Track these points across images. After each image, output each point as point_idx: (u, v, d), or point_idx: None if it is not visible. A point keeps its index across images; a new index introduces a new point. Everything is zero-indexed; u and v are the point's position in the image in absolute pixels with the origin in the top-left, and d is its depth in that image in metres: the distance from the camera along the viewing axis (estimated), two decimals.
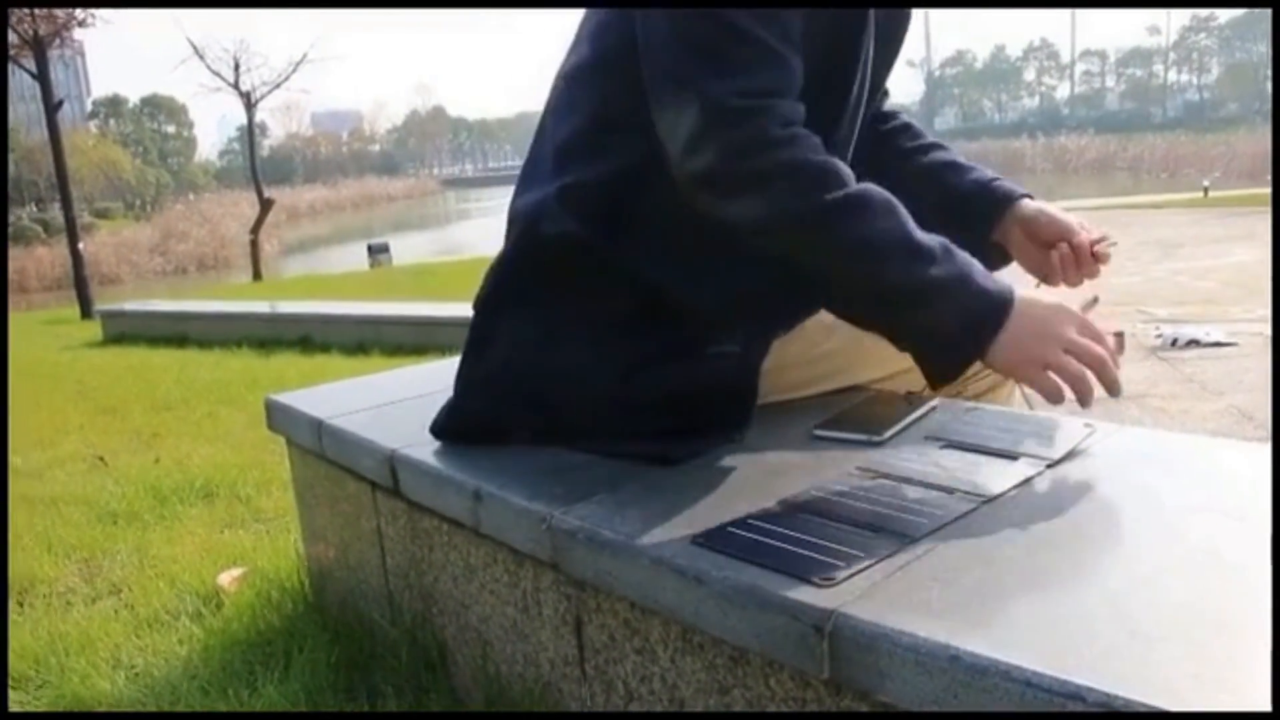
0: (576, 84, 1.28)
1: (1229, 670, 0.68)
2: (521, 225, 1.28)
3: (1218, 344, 3.68)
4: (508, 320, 1.30)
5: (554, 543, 1.07)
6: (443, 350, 5.59)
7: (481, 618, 1.29)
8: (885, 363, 1.38)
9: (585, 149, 1.25)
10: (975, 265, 1.10)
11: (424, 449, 1.33)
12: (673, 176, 1.13)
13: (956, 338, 1.09)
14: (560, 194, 1.24)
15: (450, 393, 1.37)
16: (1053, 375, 1.07)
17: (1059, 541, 0.91)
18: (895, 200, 1.10)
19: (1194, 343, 3.70)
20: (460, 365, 1.36)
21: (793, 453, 1.19)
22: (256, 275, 17.20)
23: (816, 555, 0.91)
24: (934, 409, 1.28)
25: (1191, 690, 0.66)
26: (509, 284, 1.30)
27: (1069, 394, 1.09)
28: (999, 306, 1.08)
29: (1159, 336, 3.84)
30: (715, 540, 0.96)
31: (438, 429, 1.35)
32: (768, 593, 0.85)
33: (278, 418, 1.68)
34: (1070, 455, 1.12)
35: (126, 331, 8.18)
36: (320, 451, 1.54)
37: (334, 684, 1.40)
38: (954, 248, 1.10)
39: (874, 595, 0.82)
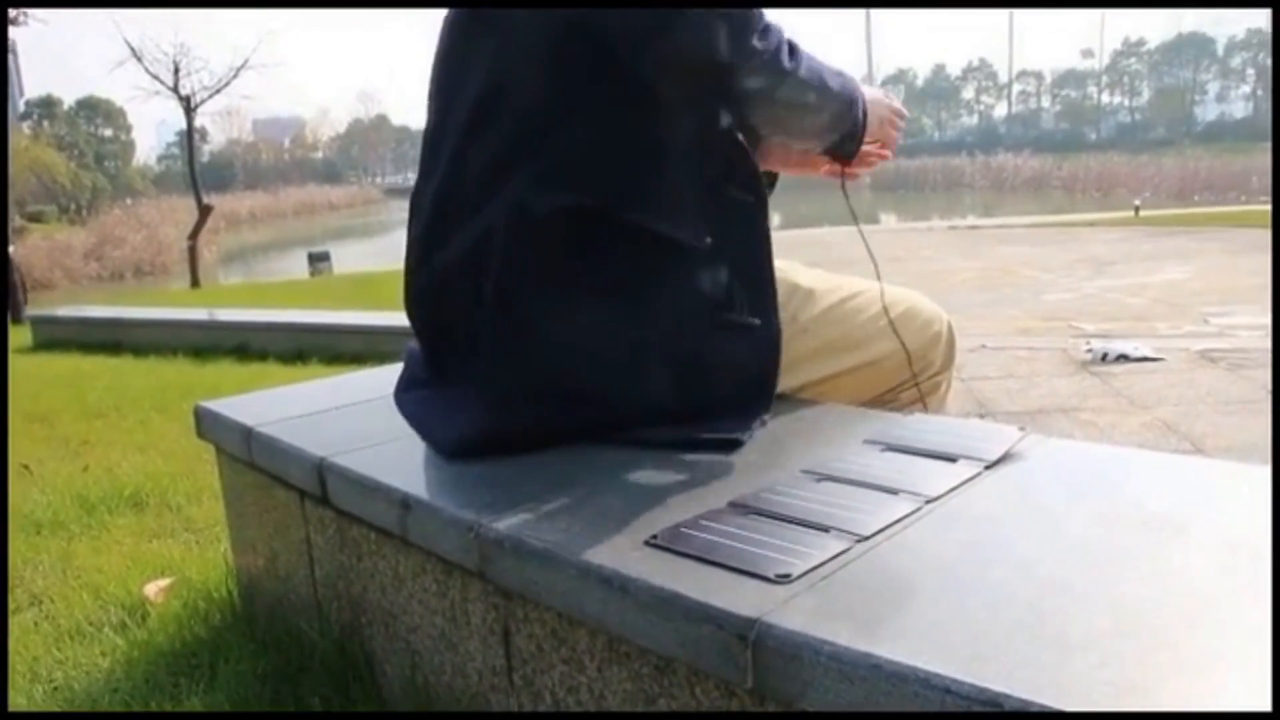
0: (501, 95, 1.28)
1: (1145, 676, 0.69)
2: (504, 220, 1.24)
3: (1145, 359, 3.77)
4: (527, 315, 1.26)
5: (481, 551, 1.06)
6: (382, 359, 5.53)
7: (410, 628, 1.28)
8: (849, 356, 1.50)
9: (546, 139, 1.25)
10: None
11: (353, 456, 1.32)
12: (674, 69, 1.24)
13: (854, 126, 1.39)
14: (539, 179, 1.24)
15: (380, 399, 1.35)
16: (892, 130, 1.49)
17: (992, 546, 0.93)
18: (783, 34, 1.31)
19: (1123, 357, 3.78)
20: (472, 374, 1.31)
21: (733, 457, 1.20)
22: (194, 282, 16.87)
23: (771, 554, 0.92)
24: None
25: (1106, 696, 0.67)
26: (512, 281, 1.26)
27: None
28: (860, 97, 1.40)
29: (1089, 351, 3.92)
30: (669, 539, 0.97)
31: (469, 446, 1.27)
32: (692, 601, 0.85)
33: (207, 425, 1.64)
34: (1006, 457, 1.14)
35: (58, 338, 7.96)
36: (249, 459, 1.51)
37: (260, 695, 1.37)
38: None
39: (804, 600, 0.83)
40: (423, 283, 1.38)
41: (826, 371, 1.45)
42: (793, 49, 1.30)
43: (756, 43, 1.24)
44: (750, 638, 0.80)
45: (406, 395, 1.49)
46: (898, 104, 1.51)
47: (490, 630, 1.14)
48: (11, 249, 11.59)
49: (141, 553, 2.12)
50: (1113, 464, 1.17)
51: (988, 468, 1.12)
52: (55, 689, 1.52)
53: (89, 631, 1.69)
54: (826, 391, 1.46)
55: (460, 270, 1.30)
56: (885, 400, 1.58)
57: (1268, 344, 4.02)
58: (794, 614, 0.81)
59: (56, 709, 1.43)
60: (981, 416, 3.09)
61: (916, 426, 1.28)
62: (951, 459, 1.16)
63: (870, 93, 1.44)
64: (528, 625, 1.09)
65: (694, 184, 1.30)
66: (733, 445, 1.23)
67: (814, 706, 0.79)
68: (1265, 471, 1.05)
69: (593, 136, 1.25)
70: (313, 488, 1.35)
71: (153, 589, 1.81)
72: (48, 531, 2.39)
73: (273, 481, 1.47)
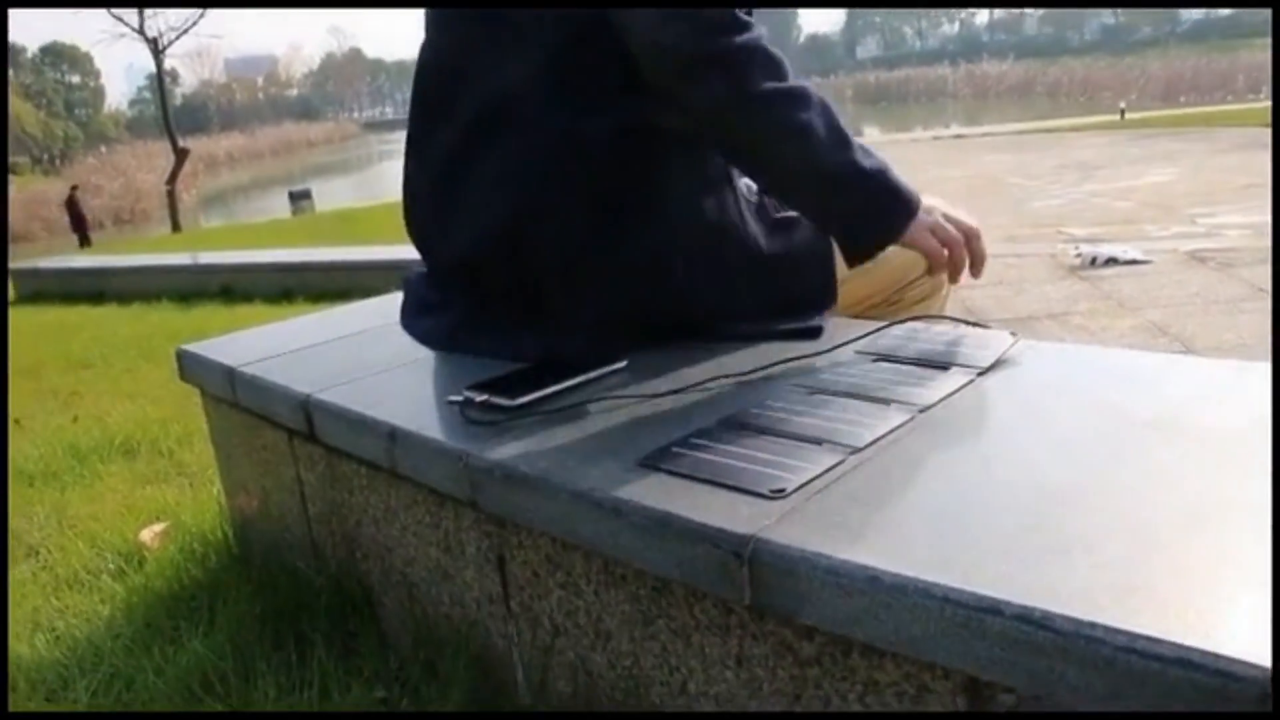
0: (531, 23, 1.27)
1: (1144, 578, 0.68)
2: (551, 142, 1.25)
3: (1134, 261, 3.75)
4: (590, 237, 1.27)
5: (471, 480, 1.05)
6: (369, 294, 5.49)
7: (405, 560, 1.27)
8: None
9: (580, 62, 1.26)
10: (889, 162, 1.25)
11: (339, 390, 1.30)
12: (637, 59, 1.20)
13: (878, 219, 1.23)
14: (578, 103, 1.25)
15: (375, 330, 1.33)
16: (935, 240, 1.26)
17: (987, 453, 0.92)
18: (826, 98, 1.22)
19: (1112, 261, 3.76)
20: (533, 313, 1.32)
21: (723, 377, 1.18)
22: (175, 227, 16.73)
23: (765, 469, 0.91)
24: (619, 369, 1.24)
25: (1111, 601, 0.66)
26: (563, 205, 1.27)
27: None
28: (914, 198, 1.25)
29: (1078, 256, 3.90)
30: (661, 459, 0.95)
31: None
32: (686, 521, 0.84)
33: (190, 368, 1.62)
34: (998, 364, 1.13)
35: (41, 290, 7.90)
36: (234, 400, 1.49)
37: (260, 635, 1.37)
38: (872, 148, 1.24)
39: (799, 514, 0.82)
40: (443, 212, 1.37)
41: (841, 274, 1.44)
42: (803, 94, 1.19)
43: (723, 38, 1.16)
44: (746, 555, 0.79)
45: (420, 321, 1.47)
46: (968, 221, 1.31)
47: (485, 559, 1.14)
48: None
49: (135, 499, 2.11)
50: (1105, 366, 1.15)
51: (980, 374, 1.11)
52: (57, 637, 1.52)
53: (87, 580, 1.69)
54: (840, 292, 1.45)
55: (501, 201, 1.30)
56: (893, 300, 1.58)
57: (1256, 243, 4.00)
58: (789, 528, 0.80)
59: (59, 657, 1.43)
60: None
61: (909, 336, 1.26)
62: (944, 367, 1.14)
63: (935, 202, 1.29)
64: (522, 552, 1.08)
65: None
66: (814, 333, 1.29)
67: (813, 620, 0.79)
68: (1256, 368, 1.04)
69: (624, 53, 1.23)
70: (299, 425, 1.33)
71: (148, 534, 1.81)
72: (41, 483, 2.38)
73: (259, 421, 1.46)
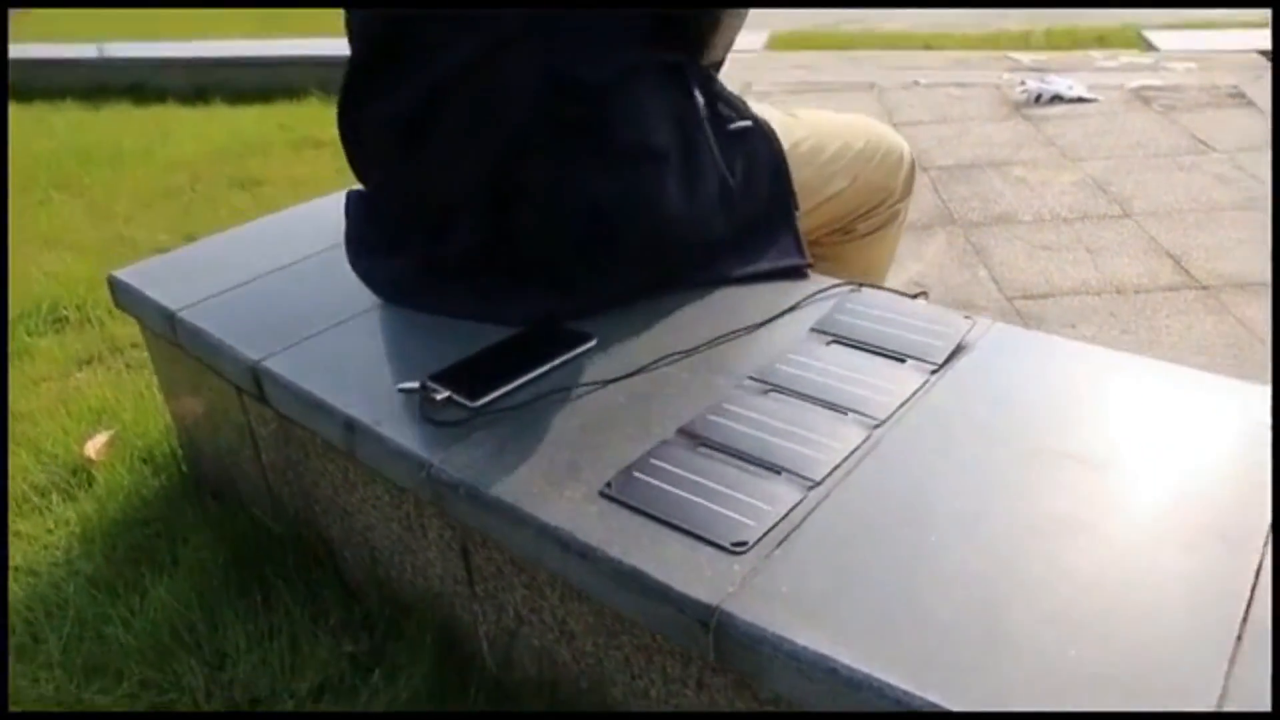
0: None
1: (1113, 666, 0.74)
2: (537, 89, 1.22)
3: (1080, 99, 3.71)
4: (579, 180, 1.25)
5: (435, 490, 1.06)
6: (292, 94, 5.23)
7: (366, 526, 1.29)
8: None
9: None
10: None
11: (290, 356, 1.27)
12: None
13: None
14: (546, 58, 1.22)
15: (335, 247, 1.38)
16: None
17: (936, 494, 0.94)
18: None
19: (1057, 98, 3.72)
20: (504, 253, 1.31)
21: (679, 359, 1.19)
22: None
23: (725, 511, 0.93)
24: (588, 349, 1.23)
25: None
26: (532, 157, 1.25)
27: None
28: None
29: (1023, 91, 3.85)
30: (621, 490, 0.97)
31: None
32: (652, 581, 0.87)
33: (125, 300, 1.56)
34: (954, 355, 1.15)
35: None
36: (177, 342, 1.45)
37: (225, 581, 1.40)
38: None
39: (761, 578, 0.85)
40: (406, 159, 1.33)
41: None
42: None
43: None
44: (711, 624, 0.83)
45: (368, 262, 1.44)
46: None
47: (449, 546, 1.16)
48: None
49: (71, 393, 2.07)
50: (1063, 367, 1.15)
51: (934, 372, 1.13)
52: (15, 568, 1.53)
53: (36, 502, 1.68)
54: None
55: (464, 152, 1.28)
56: (847, 229, 1.58)
57: (1201, 80, 3.98)
58: (752, 601, 0.83)
59: (24, 599, 1.45)
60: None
61: (863, 311, 1.27)
62: (900, 358, 1.16)
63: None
64: (486, 550, 1.11)
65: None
66: (800, 272, 1.36)
67: (772, 689, 0.84)
68: (1235, 383, 1.08)
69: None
70: (250, 388, 1.31)
71: (92, 447, 1.79)
72: None
73: (206, 369, 1.43)
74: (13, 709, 1.26)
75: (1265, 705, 0.71)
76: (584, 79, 1.22)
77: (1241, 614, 0.78)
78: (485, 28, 1.22)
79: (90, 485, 1.71)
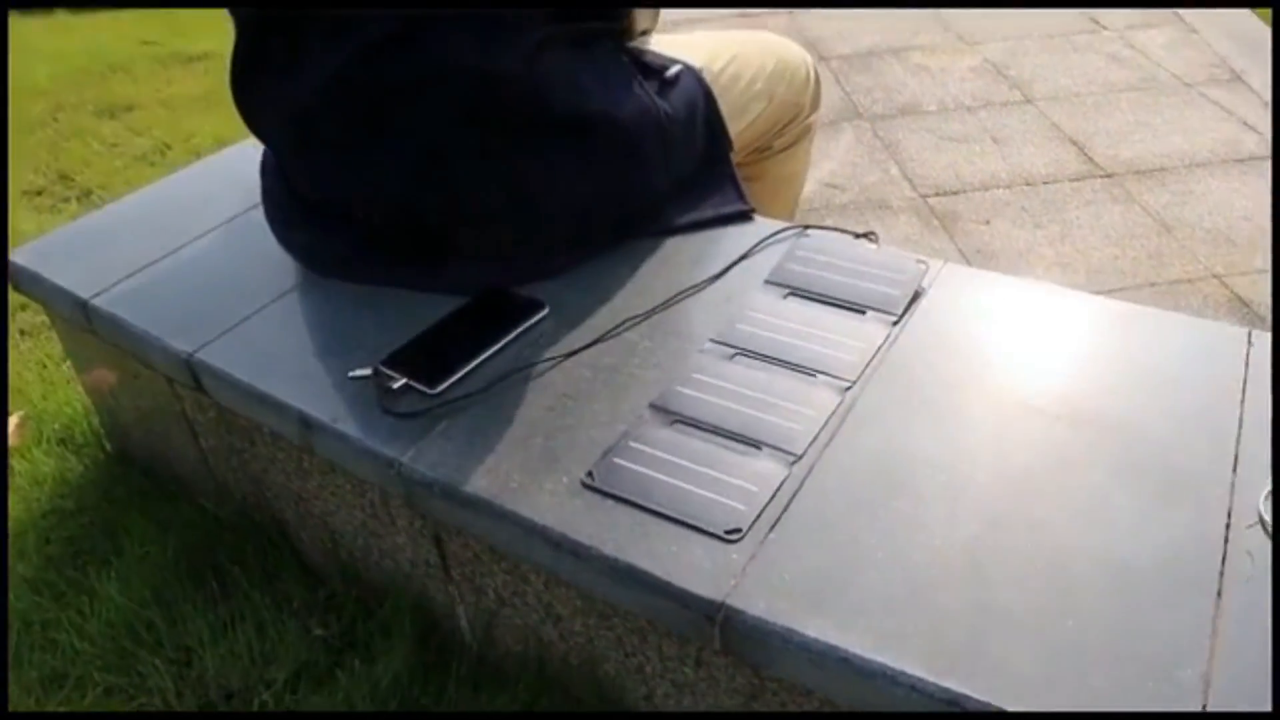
0: None
1: (1077, 662, 0.77)
2: (467, 82, 1.17)
3: None
4: (525, 162, 1.22)
5: (407, 489, 1.03)
6: None
7: (326, 512, 1.26)
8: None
9: None
10: None
11: (225, 345, 1.20)
12: None
13: None
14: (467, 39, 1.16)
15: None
16: None
17: (913, 462, 0.95)
18: None
19: None
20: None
21: (639, 323, 1.17)
22: None
23: (713, 495, 0.93)
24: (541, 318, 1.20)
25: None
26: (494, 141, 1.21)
27: None
28: None
29: None
30: (605, 480, 0.96)
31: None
32: (651, 576, 0.87)
33: (28, 285, 1.44)
34: (913, 304, 1.16)
35: None
36: (92, 330, 1.37)
37: (177, 573, 1.36)
38: None
39: (761, 567, 0.86)
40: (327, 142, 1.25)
41: None
42: None
43: None
44: (718, 619, 0.84)
45: (297, 236, 1.36)
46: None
47: (420, 534, 1.14)
48: None
49: None
50: (1017, 309, 1.17)
51: (895, 323, 1.14)
52: None
53: None
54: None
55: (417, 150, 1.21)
56: (764, 147, 1.59)
57: None
58: (756, 591, 0.84)
59: None
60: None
61: (814, 257, 1.26)
62: (859, 309, 1.16)
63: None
64: (461, 538, 1.09)
65: None
66: (745, 216, 1.37)
67: (781, 676, 0.86)
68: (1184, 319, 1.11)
69: None
70: (185, 379, 1.24)
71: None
72: None
73: (128, 356, 1.35)
74: None
75: (1250, 661, 0.76)
76: (490, 67, 1.16)
77: (1218, 569, 0.83)
78: (356, 36, 1.15)
79: (11, 475, 1.62)
